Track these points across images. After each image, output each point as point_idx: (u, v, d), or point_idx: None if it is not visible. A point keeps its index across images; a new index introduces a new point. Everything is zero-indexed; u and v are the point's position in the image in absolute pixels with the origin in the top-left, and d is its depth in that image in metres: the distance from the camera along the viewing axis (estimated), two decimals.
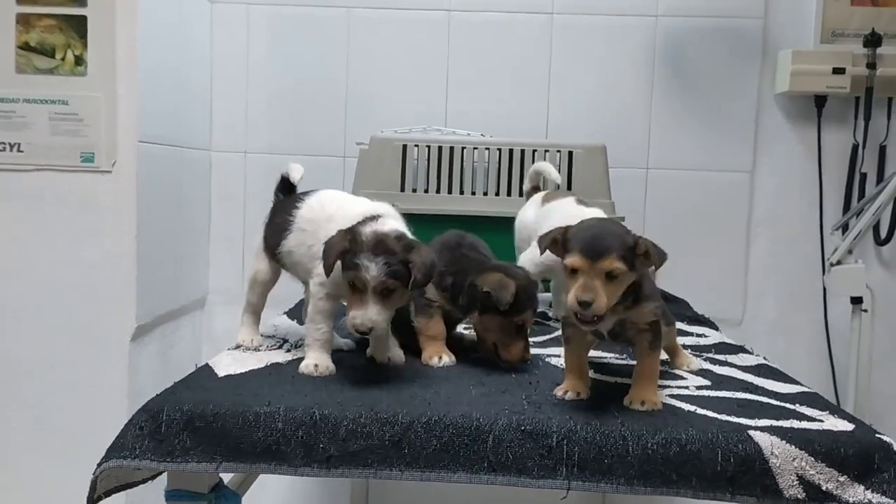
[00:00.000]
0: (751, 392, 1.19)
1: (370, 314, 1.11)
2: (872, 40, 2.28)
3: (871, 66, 2.27)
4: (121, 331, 1.98)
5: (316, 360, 1.20)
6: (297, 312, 1.62)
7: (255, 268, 1.39)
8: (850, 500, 0.95)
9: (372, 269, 1.10)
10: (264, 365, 1.24)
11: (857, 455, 0.97)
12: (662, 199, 2.40)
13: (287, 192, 1.42)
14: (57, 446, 1.98)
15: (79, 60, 1.92)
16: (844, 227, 2.21)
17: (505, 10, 2.40)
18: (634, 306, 1.10)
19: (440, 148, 2.06)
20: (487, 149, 2.07)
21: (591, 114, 2.40)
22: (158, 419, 1.00)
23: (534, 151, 2.05)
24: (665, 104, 2.40)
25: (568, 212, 1.49)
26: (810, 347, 2.41)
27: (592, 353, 1.35)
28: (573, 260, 1.03)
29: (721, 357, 1.43)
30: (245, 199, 2.47)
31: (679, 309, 1.83)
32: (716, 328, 1.72)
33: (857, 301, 2.16)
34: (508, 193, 2.05)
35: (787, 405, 1.12)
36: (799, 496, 0.96)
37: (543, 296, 1.75)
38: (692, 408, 1.09)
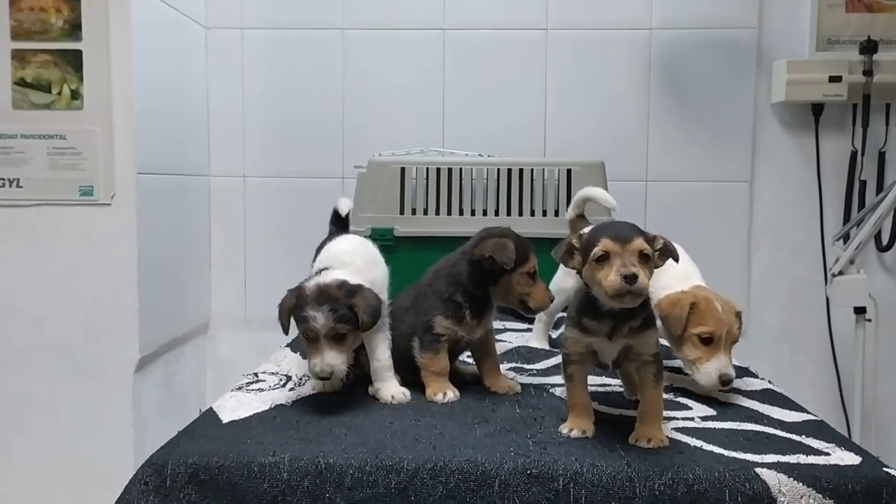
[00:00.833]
0: (756, 422, 1.19)
1: (327, 359, 1.19)
2: (868, 47, 2.26)
3: (868, 73, 2.26)
4: (124, 363, 1.98)
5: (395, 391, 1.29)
6: (300, 345, 1.61)
7: None
8: None
9: (319, 319, 1.18)
10: (269, 407, 1.24)
11: (864, 491, 0.97)
12: (662, 211, 2.39)
13: (338, 224, 1.54)
14: (62, 481, 1.98)
15: (75, 95, 1.92)
16: (845, 237, 2.20)
17: (499, 28, 2.40)
18: (641, 331, 1.11)
19: (438, 169, 2.06)
20: (486, 169, 2.07)
21: (588, 128, 2.40)
22: (163, 473, 1.01)
23: (532, 170, 2.06)
24: (662, 116, 2.39)
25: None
26: (815, 357, 2.40)
27: (594, 379, 1.34)
28: (605, 243, 1.05)
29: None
30: (245, 222, 2.47)
31: None
32: None
33: (860, 311, 2.15)
34: (508, 213, 2.04)
35: (794, 437, 1.12)
36: None
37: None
38: (698, 443, 1.09)
